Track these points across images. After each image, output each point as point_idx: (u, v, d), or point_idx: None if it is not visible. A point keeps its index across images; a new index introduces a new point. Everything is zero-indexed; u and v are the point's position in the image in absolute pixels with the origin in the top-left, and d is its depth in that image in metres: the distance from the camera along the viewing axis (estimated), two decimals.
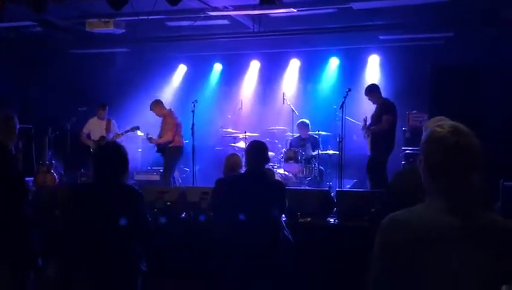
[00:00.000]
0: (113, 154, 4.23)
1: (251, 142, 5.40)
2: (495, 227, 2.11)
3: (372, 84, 9.53)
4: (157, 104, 10.10)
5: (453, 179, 2.10)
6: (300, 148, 10.42)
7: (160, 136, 9.98)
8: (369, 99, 9.31)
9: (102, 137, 10.42)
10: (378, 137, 8.96)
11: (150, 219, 4.35)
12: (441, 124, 2.20)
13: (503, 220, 2.14)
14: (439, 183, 2.13)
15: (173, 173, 9.97)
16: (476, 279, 2.00)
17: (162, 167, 10.26)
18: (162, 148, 9.94)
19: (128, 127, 10.42)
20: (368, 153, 9.24)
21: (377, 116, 9.07)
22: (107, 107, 10.75)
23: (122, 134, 10.35)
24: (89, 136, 10.66)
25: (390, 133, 8.99)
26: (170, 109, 10.19)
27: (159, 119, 10.13)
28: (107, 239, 4.07)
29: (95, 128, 10.69)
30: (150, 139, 10.00)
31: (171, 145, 9.83)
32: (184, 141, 10.13)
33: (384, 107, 9.02)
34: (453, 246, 2.03)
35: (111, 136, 10.40)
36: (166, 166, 9.98)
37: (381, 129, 8.92)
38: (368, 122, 9.16)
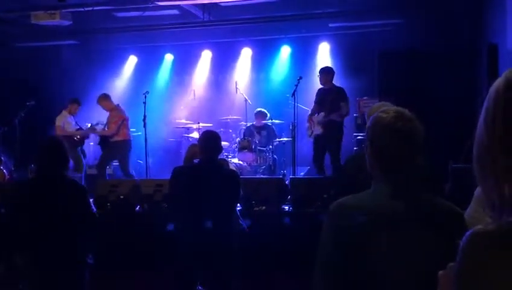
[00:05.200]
0: (52, 148, 4.22)
1: (203, 132, 5.39)
2: (439, 210, 2.15)
3: (331, 67, 9.46)
4: (104, 98, 9.88)
5: (398, 163, 2.14)
6: (254, 136, 10.43)
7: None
8: (320, 79, 9.09)
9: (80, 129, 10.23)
10: (334, 126, 8.90)
11: (94, 212, 4.38)
12: (386, 109, 2.23)
13: (448, 203, 2.19)
14: (384, 168, 2.16)
15: (128, 166, 9.79)
16: (422, 262, 2.03)
17: (98, 160, 10.06)
18: (103, 140, 9.81)
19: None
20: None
21: (331, 102, 8.93)
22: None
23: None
24: None
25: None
26: (118, 104, 10.00)
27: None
28: (52, 233, 4.07)
29: (65, 122, 10.28)
30: (92, 130, 9.85)
31: (117, 139, 9.67)
32: (131, 135, 9.97)
33: (342, 94, 8.92)
34: (399, 231, 2.07)
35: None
36: (103, 159, 9.83)
37: (343, 115, 8.86)
38: (320, 112, 9.07)
